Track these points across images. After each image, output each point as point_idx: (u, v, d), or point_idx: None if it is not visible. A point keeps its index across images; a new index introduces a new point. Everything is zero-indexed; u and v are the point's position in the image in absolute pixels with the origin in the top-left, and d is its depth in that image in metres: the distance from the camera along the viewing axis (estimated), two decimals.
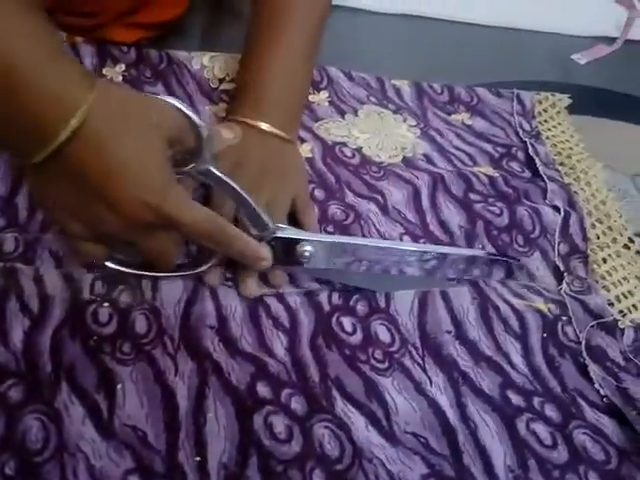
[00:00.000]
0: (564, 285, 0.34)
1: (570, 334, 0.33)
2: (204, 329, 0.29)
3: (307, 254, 0.31)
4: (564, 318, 0.33)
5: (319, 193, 0.37)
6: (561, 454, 0.28)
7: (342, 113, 0.44)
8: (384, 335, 0.31)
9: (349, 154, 0.40)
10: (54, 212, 0.26)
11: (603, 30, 0.59)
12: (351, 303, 0.32)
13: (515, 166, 0.42)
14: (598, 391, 0.30)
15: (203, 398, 0.27)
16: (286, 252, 0.31)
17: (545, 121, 0.47)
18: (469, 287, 0.33)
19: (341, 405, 0.28)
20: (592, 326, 0.33)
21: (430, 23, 0.57)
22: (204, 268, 0.30)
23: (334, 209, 0.36)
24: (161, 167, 0.26)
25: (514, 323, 0.33)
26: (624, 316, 0.34)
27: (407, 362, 0.30)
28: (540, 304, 0.33)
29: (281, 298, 0.31)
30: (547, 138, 0.45)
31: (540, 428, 0.29)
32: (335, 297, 0.32)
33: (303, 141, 0.41)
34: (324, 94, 0.45)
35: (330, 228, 0.36)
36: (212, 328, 0.30)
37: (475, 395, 0.29)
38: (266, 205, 0.32)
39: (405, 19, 0.57)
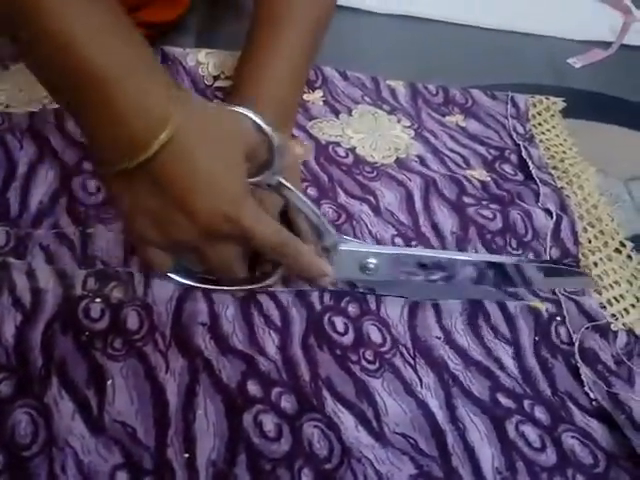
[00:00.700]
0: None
1: (563, 335, 0.33)
2: (195, 326, 0.30)
3: (372, 266, 0.31)
4: (558, 318, 0.33)
5: (312, 192, 0.37)
6: (549, 457, 0.28)
7: (336, 113, 0.44)
8: (375, 335, 0.31)
9: (342, 154, 0.40)
10: (134, 218, 0.27)
11: (599, 35, 0.60)
12: (342, 304, 0.32)
13: (508, 169, 0.42)
14: (588, 394, 0.31)
15: (193, 395, 0.27)
16: (349, 264, 0.31)
17: (539, 124, 0.47)
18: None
19: (331, 405, 0.28)
20: (587, 328, 0.33)
21: (427, 24, 0.57)
22: (265, 283, 0.31)
23: (326, 209, 0.36)
24: (240, 179, 0.27)
25: (504, 330, 0.33)
26: (616, 320, 0.34)
27: (398, 362, 0.31)
28: (537, 302, 0.34)
29: (273, 296, 0.32)
30: (541, 141, 0.45)
31: (529, 430, 0.29)
32: (326, 297, 0.32)
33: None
34: (319, 93, 0.45)
35: None
36: (204, 325, 0.30)
37: (465, 397, 0.30)
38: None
39: (402, 20, 0.57)
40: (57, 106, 0.38)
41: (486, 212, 0.38)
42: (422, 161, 0.42)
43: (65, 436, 0.25)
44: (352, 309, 0.32)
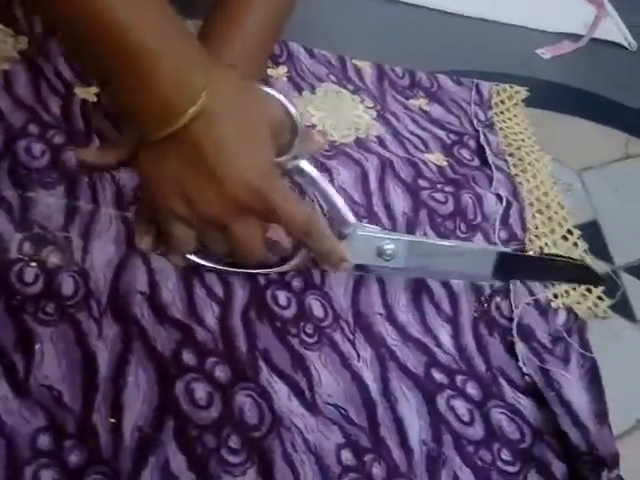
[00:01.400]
0: None
1: (504, 309, 0.33)
2: (134, 294, 0.29)
3: (390, 252, 0.31)
4: (501, 293, 0.34)
5: None
6: (477, 431, 0.29)
7: (299, 89, 0.43)
8: (318, 310, 0.31)
9: None
10: (163, 192, 0.27)
11: (570, 27, 0.60)
12: (287, 278, 0.32)
13: (465, 154, 0.42)
14: (521, 370, 0.31)
15: (125, 363, 0.27)
16: (365, 250, 0.31)
17: (501, 112, 0.47)
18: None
19: (266, 375, 0.28)
20: (527, 303, 0.33)
21: (399, 7, 0.57)
22: (285, 268, 0.31)
23: None
24: (270, 155, 0.27)
25: (446, 306, 0.33)
26: (557, 299, 0.35)
27: (337, 337, 0.31)
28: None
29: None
30: (501, 129, 0.45)
31: (459, 405, 0.29)
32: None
33: None
34: (283, 69, 0.44)
35: None
36: (142, 294, 0.29)
37: (400, 371, 0.30)
38: None
39: (375, 2, 0.56)
40: (7, 67, 0.37)
41: (439, 195, 0.39)
42: (381, 142, 0.41)
43: None
44: (296, 283, 0.32)
